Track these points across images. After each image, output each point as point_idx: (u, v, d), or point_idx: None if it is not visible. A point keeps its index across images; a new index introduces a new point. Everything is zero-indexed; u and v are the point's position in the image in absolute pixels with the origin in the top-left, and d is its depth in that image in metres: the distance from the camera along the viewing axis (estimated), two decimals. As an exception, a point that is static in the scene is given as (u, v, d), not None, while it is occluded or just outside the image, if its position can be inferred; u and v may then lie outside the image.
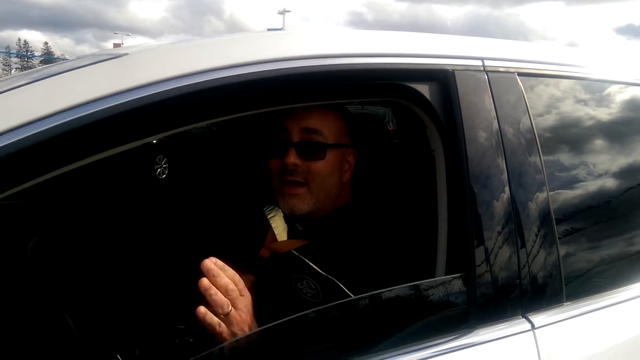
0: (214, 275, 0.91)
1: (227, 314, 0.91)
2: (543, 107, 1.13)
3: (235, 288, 0.93)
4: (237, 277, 0.95)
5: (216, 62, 0.84)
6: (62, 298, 1.31)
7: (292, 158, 1.15)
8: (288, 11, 34.20)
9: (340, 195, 1.24)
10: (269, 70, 0.86)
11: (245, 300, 0.95)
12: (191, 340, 1.15)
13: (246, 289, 0.96)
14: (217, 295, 0.91)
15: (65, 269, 1.48)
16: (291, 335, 0.91)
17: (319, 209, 1.19)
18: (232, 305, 0.92)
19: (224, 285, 0.92)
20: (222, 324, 0.91)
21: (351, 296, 1.02)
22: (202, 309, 0.90)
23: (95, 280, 1.49)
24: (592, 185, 1.18)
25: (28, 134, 0.70)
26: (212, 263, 0.92)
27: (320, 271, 1.12)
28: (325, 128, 1.18)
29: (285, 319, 0.89)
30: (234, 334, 0.92)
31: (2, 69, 76.13)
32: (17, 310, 1.25)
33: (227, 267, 0.94)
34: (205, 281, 0.91)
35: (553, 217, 1.05)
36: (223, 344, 0.89)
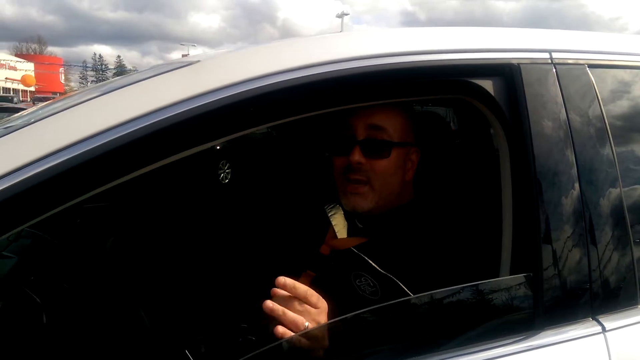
0: (282, 299, 0.92)
1: (306, 329, 0.91)
2: (616, 100, 1.07)
3: (307, 303, 0.93)
4: (309, 291, 0.94)
5: (284, 65, 0.86)
6: (137, 293, 1.39)
7: (357, 156, 1.15)
8: (346, 14, 34.23)
9: (402, 193, 1.23)
10: (335, 71, 0.87)
11: (318, 312, 0.95)
12: (253, 338, 1.18)
13: (321, 300, 0.95)
14: (286, 315, 0.91)
15: (139, 266, 1.56)
16: (351, 333, 0.91)
17: (380, 207, 1.18)
18: (308, 320, 0.92)
19: (293, 305, 0.92)
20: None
21: (410, 295, 1.01)
22: (279, 328, 0.90)
23: (166, 279, 1.57)
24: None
25: (115, 136, 0.75)
26: (275, 290, 0.93)
27: (379, 269, 1.12)
28: (391, 126, 1.17)
29: (344, 317, 0.89)
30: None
31: (80, 82, 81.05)
32: (95, 303, 1.34)
33: (296, 285, 0.94)
34: (268, 303, 0.91)
35: (627, 215, 0.99)
36: (282, 341, 0.90)
